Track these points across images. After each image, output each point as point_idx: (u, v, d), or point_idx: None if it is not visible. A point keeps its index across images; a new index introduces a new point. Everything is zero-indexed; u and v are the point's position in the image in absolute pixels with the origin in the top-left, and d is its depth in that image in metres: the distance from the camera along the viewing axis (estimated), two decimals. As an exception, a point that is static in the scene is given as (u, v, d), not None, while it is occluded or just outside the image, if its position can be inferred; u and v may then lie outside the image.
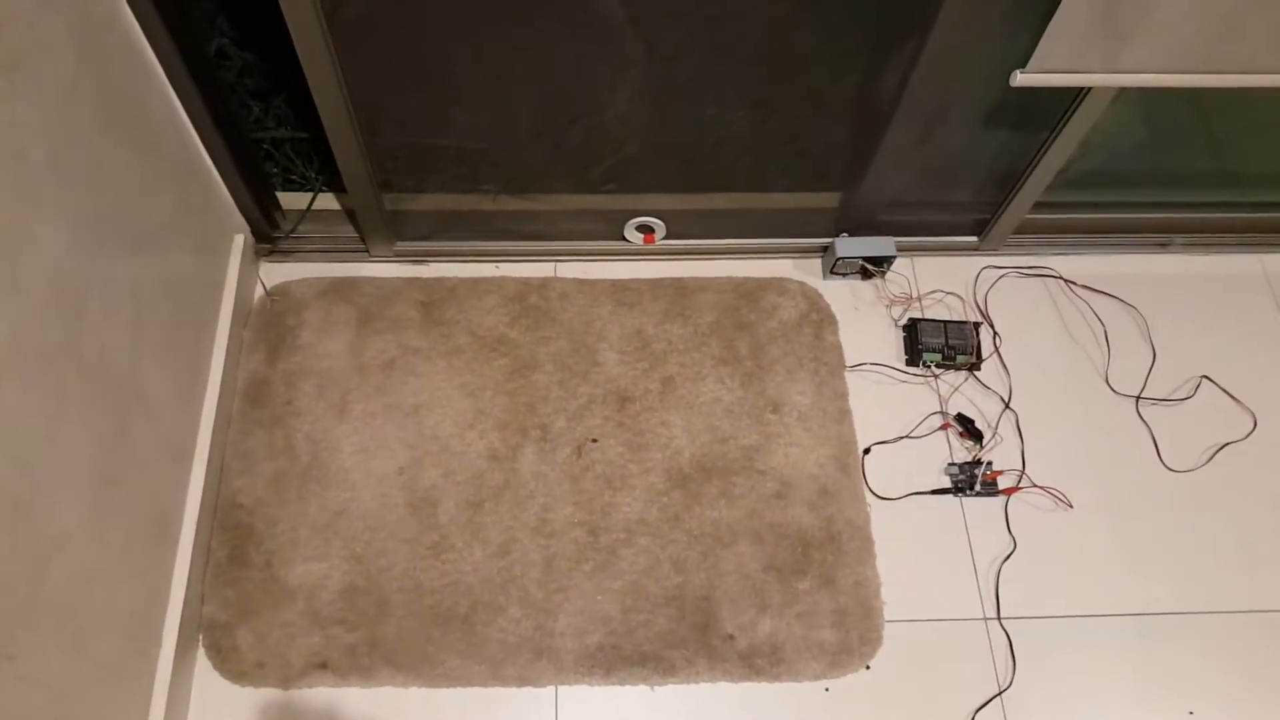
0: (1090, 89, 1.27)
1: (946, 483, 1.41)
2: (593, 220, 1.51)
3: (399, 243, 1.50)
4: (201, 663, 1.24)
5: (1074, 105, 1.30)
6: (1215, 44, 1.17)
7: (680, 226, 1.53)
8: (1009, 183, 1.47)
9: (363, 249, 1.51)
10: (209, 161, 1.32)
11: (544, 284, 1.51)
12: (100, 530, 1.04)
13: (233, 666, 1.23)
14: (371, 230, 1.46)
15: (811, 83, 1.29)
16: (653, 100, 1.30)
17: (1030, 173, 1.42)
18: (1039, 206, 1.50)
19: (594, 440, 1.40)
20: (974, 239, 1.59)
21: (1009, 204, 1.49)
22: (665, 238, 1.53)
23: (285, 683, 1.23)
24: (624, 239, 1.53)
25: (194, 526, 1.25)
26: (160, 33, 1.13)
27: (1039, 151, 1.39)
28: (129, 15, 1.10)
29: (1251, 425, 1.49)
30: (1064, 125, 1.33)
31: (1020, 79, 1.20)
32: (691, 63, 1.24)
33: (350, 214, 1.50)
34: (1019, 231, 1.56)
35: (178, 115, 1.23)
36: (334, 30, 1.13)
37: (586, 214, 1.49)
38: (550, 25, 1.17)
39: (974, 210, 1.54)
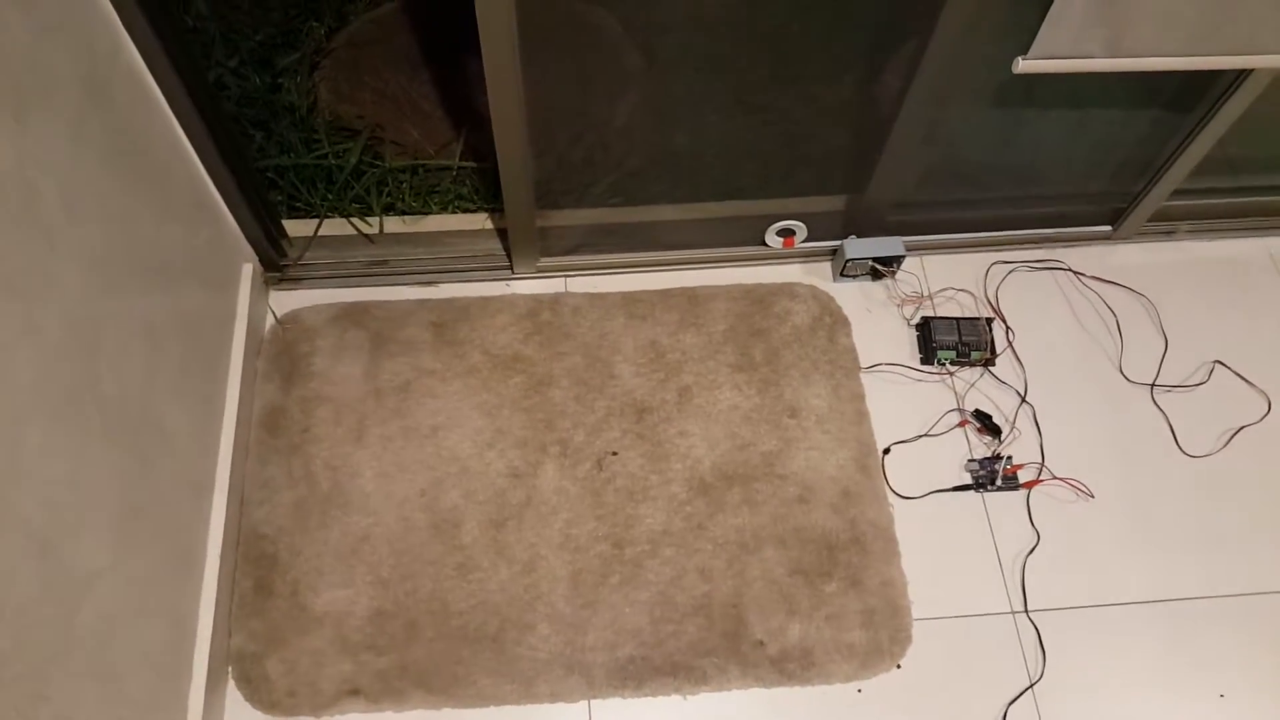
0: (1252, 70, 1.27)
1: (967, 479, 1.41)
2: (733, 227, 1.51)
3: (543, 259, 1.51)
4: (233, 694, 1.23)
5: (1232, 88, 1.31)
6: (1215, 25, 1.18)
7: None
8: (1146, 171, 1.48)
9: (376, 272, 1.51)
10: (215, 193, 1.32)
11: (555, 299, 1.51)
12: (127, 567, 1.03)
13: (264, 697, 1.23)
14: (521, 247, 1.47)
15: (819, 86, 1.29)
16: (657, 110, 1.31)
17: (1176, 159, 1.43)
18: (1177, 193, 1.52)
19: (614, 453, 1.39)
20: (1108, 228, 1.60)
21: (1149, 191, 1.49)
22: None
23: (317, 711, 1.22)
24: (764, 244, 1.54)
25: (218, 558, 1.24)
26: (163, 64, 1.13)
27: (1186, 138, 1.40)
28: (132, 48, 1.10)
29: (1266, 407, 1.49)
30: (1219, 108, 1.34)
31: (1022, 66, 1.21)
32: (695, 70, 1.25)
33: (501, 233, 1.51)
34: (1155, 218, 1.57)
35: (183, 147, 1.23)
36: (525, 53, 1.15)
37: (728, 221, 1.50)
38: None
39: (1105, 200, 1.55)
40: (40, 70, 0.91)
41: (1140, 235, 1.62)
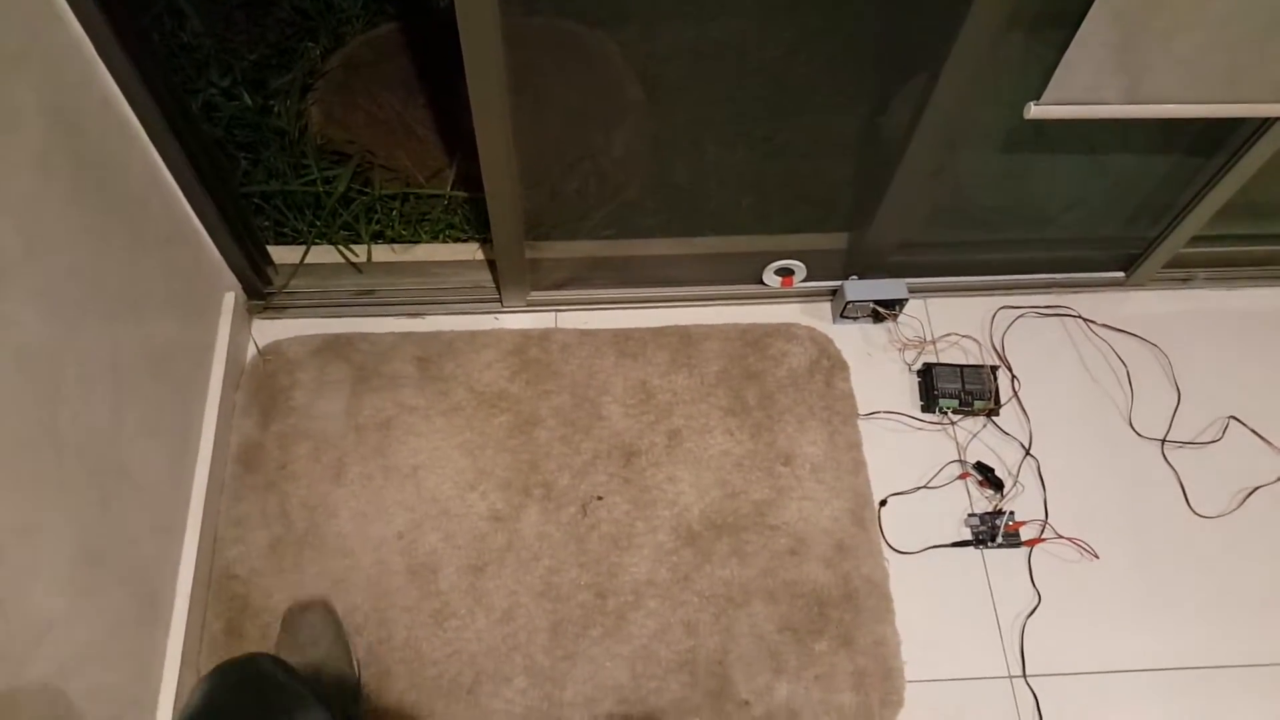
0: (1277, 119, 1.24)
1: (967, 535, 1.35)
2: (730, 264, 1.47)
3: (533, 292, 1.48)
4: (196, 742, 1.19)
5: (1256, 134, 1.27)
6: (1237, 73, 1.14)
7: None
8: (1162, 217, 1.44)
9: (362, 302, 1.47)
10: (196, 221, 1.28)
11: (544, 335, 1.47)
12: (86, 613, 1.00)
13: (228, 746, 1.19)
14: (510, 280, 1.43)
15: (823, 121, 1.25)
16: (652, 142, 1.27)
17: (1195, 205, 1.39)
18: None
19: (599, 498, 1.35)
20: (1120, 274, 1.56)
21: (1165, 237, 1.45)
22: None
23: (283, 762, 1.18)
24: (762, 282, 1.50)
25: (187, 600, 1.20)
26: (140, 92, 1.10)
27: (1207, 184, 1.36)
28: (106, 77, 1.06)
29: (1283, 466, 1.43)
30: (1242, 155, 1.30)
31: (1034, 112, 1.17)
32: (694, 101, 1.21)
33: (491, 264, 1.48)
34: (1171, 264, 1.53)
35: (161, 175, 1.20)
36: (513, 82, 1.12)
37: (724, 258, 1.46)
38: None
39: (1118, 246, 1.52)
40: (0, 102, 0.88)
41: (1154, 283, 1.57)
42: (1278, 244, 1.55)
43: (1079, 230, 1.48)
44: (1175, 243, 1.47)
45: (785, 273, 1.47)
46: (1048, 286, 1.55)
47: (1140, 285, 1.57)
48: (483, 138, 1.18)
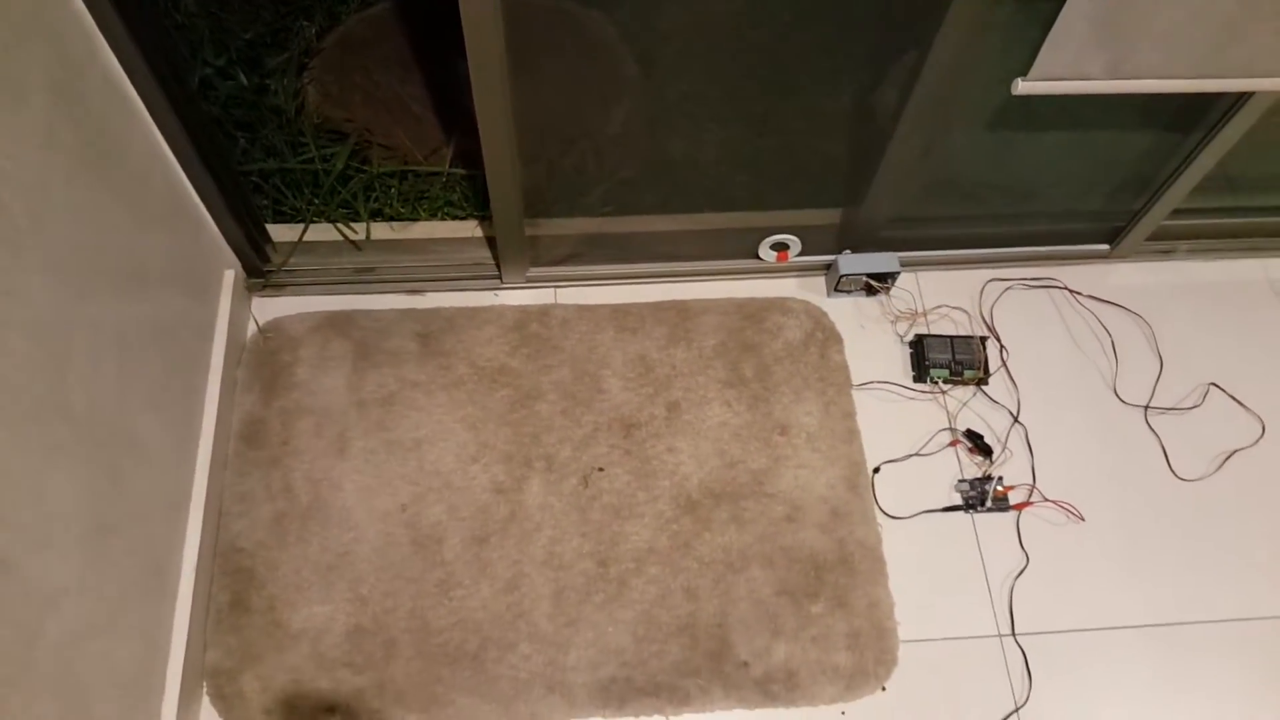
0: (1254, 92, 1.27)
1: (957, 500, 1.39)
2: (726, 240, 1.49)
3: (532, 268, 1.49)
4: (207, 711, 1.21)
5: (1233, 109, 1.30)
6: (1219, 48, 1.16)
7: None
8: (1145, 190, 1.48)
9: (362, 280, 1.48)
10: (196, 198, 1.29)
11: (544, 311, 1.49)
12: (96, 584, 1.01)
13: (239, 714, 1.21)
14: (510, 257, 1.44)
15: (816, 98, 1.27)
16: (650, 119, 1.28)
17: (1176, 178, 1.42)
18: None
19: (600, 469, 1.37)
20: (1105, 247, 1.59)
21: (1148, 210, 1.49)
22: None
23: (293, 730, 1.20)
24: (758, 257, 1.52)
25: (193, 573, 1.22)
26: (142, 71, 1.10)
27: (1187, 157, 1.39)
28: (108, 54, 1.07)
29: (1260, 431, 1.48)
30: (1220, 129, 1.33)
31: (1022, 87, 1.19)
32: (691, 78, 1.22)
33: (491, 241, 1.49)
34: (1153, 237, 1.56)
35: (162, 153, 1.20)
36: (513, 58, 1.13)
37: (721, 233, 1.48)
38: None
39: (1103, 219, 1.54)
40: (6, 79, 0.88)
41: (1138, 255, 1.60)
42: (1256, 216, 1.59)
43: (1065, 204, 1.51)
44: (1158, 215, 1.51)
45: (781, 247, 1.50)
46: (1035, 259, 1.59)
47: (1124, 258, 1.61)
48: (483, 115, 1.19)
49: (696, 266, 1.53)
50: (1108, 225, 1.57)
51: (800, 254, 1.51)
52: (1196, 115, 1.35)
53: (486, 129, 1.21)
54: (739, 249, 1.52)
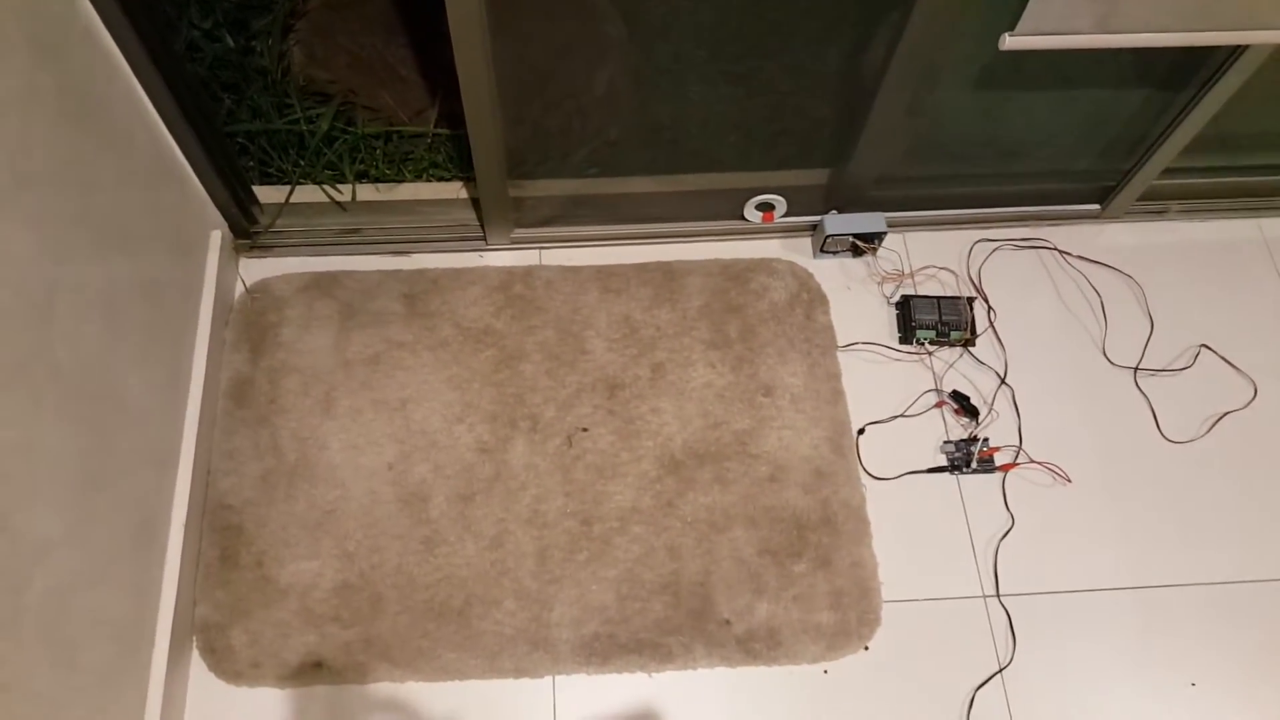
0: (1247, 47, 1.25)
1: (943, 461, 1.39)
2: (712, 201, 1.48)
3: (517, 230, 1.49)
4: (196, 664, 1.23)
5: (1225, 64, 1.28)
6: (1206, 1, 1.14)
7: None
8: (1136, 149, 1.46)
9: (348, 241, 1.49)
10: (181, 157, 1.29)
11: (529, 272, 1.49)
12: (85, 537, 1.03)
13: (228, 667, 1.23)
14: (494, 218, 1.44)
15: (803, 53, 1.26)
16: (635, 80, 1.27)
17: (1167, 136, 1.40)
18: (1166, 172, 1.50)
19: (584, 429, 1.38)
20: (1096, 207, 1.57)
21: (1139, 169, 1.47)
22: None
23: (281, 682, 1.22)
24: (743, 218, 1.51)
25: (182, 529, 1.23)
26: (124, 28, 1.10)
27: (1178, 115, 1.37)
28: (89, 10, 1.07)
29: (1252, 393, 1.46)
30: (1212, 85, 1.31)
31: (1009, 43, 1.17)
32: (675, 37, 1.21)
33: (475, 203, 1.48)
34: (1145, 197, 1.55)
35: (146, 111, 1.21)
36: (492, 18, 1.12)
37: (706, 194, 1.48)
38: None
39: (1094, 179, 1.53)
40: (-18, 31, 0.89)
41: (1129, 215, 1.59)
42: (1248, 175, 1.57)
43: (1055, 163, 1.50)
44: (1149, 174, 1.49)
45: (766, 208, 1.49)
46: (1024, 219, 1.57)
47: (1115, 218, 1.59)
48: (464, 72, 1.18)
49: (682, 228, 1.52)
50: (1098, 185, 1.55)
51: (786, 214, 1.51)
52: (1189, 72, 1.33)
53: (468, 88, 1.20)
54: (724, 210, 1.51)
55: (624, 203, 1.48)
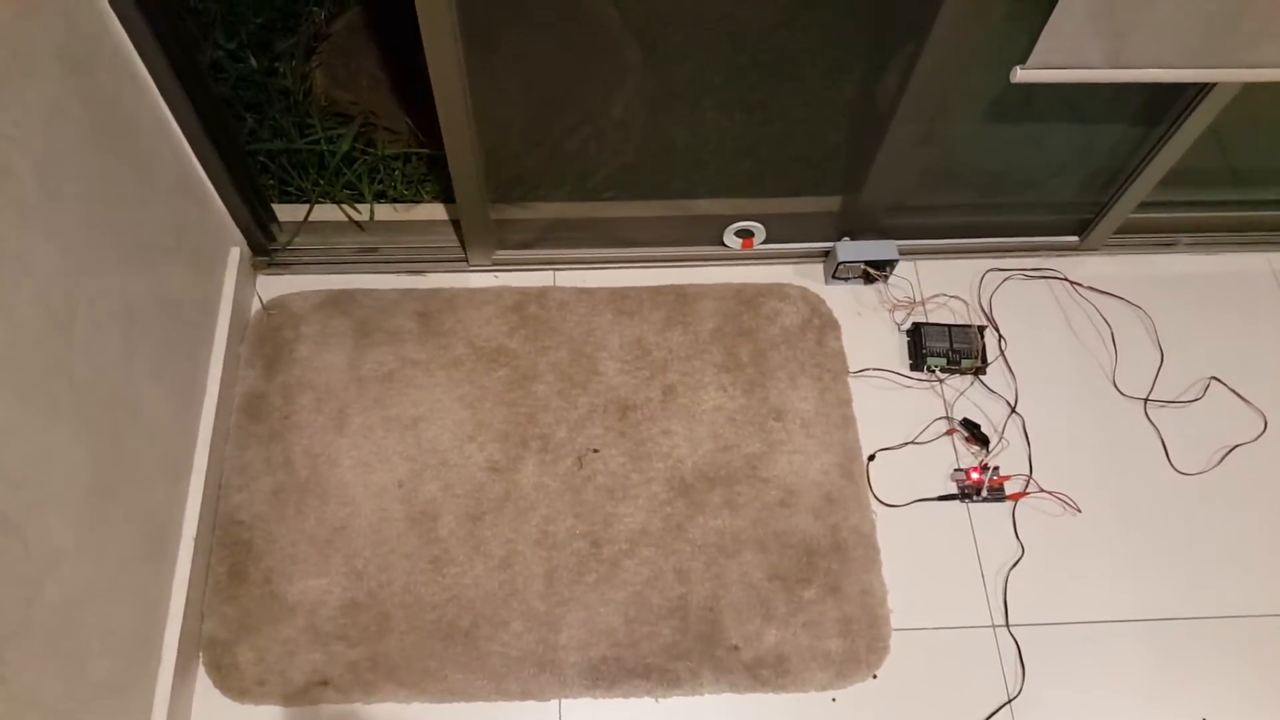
0: (1216, 83, 1.26)
1: (953, 489, 1.39)
2: (690, 226, 1.50)
3: (499, 251, 1.50)
4: (202, 680, 1.23)
5: (1196, 100, 1.30)
6: (1216, 38, 1.16)
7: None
8: (1115, 182, 1.47)
9: (365, 260, 1.50)
10: (203, 174, 1.31)
11: (543, 293, 1.50)
12: (96, 548, 1.03)
13: (233, 684, 1.22)
14: (475, 240, 1.45)
15: (813, 86, 1.28)
16: (651, 105, 1.29)
17: (1141, 170, 1.41)
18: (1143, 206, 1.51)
19: (595, 450, 1.38)
20: (1074, 239, 1.58)
21: (1115, 202, 1.48)
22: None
23: (287, 700, 1.22)
24: (723, 244, 1.52)
25: (192, 543, 1.24)
26: (151, 46, 1.13)
27: (1152, 149, 1.38)
28: (118, 29, 1.09)
29: (1262, 426, 1.46)
30: (1183, 120, 1.33)
31: (1021, 75, 1.19)
32: (691, 66, 1.23)
33: (455, 224, 1.49)
34: (1121, 231, 1.56)
35: (170, 129, 1.23)
36: (466, 43, 1.15)
37: (683, 220, 1.49)
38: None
39: (1072, 211, 1.54)
40: (16, 49, 0.90)
41: (1139, 246, 1.59)
42: (1259, 210, 1.58)
43: (1066, 194, 1.51)
44: (1129, 203, 1.49)
45: (745, 235, 1.50)
46: (1035, 250, 1.58)
47: (1126, 249, 1.60)
48: (440, 93, 1.19)
49: (695, 251, 1.53)
50: (1078, 217, 1.56)
51: (790, 240, 1.51)
52: (1163, 108, 1.34)
53: (445, 110, 1.21)
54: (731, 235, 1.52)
55: (626, 227, 1.49)
